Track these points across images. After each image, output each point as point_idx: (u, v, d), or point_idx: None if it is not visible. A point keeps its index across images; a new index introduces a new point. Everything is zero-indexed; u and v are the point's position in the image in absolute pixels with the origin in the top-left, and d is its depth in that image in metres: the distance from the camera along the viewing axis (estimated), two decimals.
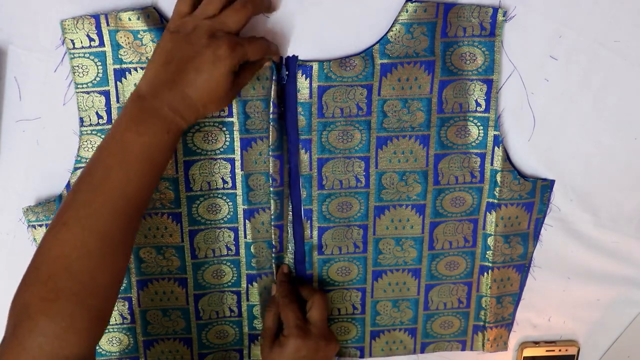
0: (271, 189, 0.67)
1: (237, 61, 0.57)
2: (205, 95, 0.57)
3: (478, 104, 0.67)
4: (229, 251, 0.70)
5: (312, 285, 0.72)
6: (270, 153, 0.65)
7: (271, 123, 0.64)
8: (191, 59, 0.56)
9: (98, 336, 0.56)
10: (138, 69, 0.63)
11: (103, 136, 0.65)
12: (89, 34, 0.62)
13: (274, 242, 0.69)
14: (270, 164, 0.66)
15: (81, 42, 0.62)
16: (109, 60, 0.63)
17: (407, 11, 0.63)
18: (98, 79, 0.63)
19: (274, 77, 0.63)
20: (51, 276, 0.54)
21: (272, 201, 0.67)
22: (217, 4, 0.57)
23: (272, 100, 0.64)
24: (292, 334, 0.65)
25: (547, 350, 0.79)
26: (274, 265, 0.70)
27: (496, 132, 0.68)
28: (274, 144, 0.65)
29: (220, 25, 0.57)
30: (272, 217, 0.68)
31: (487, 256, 0.72)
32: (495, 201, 0.70)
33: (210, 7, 0.57)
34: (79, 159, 0.65)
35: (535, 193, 0.71)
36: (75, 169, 0.66)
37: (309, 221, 0.69)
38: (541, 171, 0.71)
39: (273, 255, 0.69)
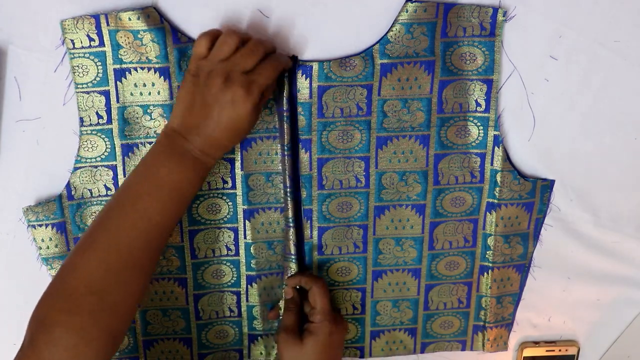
0: (288, 189, 0.67)
1: (256, 99, 0.58)
2: (230, 133, 0.60)
3: (478, 104, 0.67)
4: (229, 251, 0.70)
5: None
6: (286, 152, 0.66)
7: (286, 122, 0.64)
8: (212, 104, 0.58)
9: (110, 353, 0.57)
10: (138, 68, 0.63)
11: (103, 136, 0.65)
12: (89, 34, 0.62)
13: (293, 242, 0.68)
14: (287, 164, 0.66)
15: (81, 42, 0.62)
16: (109, 60, 0.63)
17: (407, 11, 0.63)
18: (98, 78, 0.63)
19: (285, 75, 0.63)
20: (72, 292, 0.56)
21: (289, 202, 0.67)
22: (231, 45, 0.58)
23: (285, 97, 0.64)
24: (327, 319, 0.67)
25: (547, 350, 0.79)
26: (295, 266, 0.69)
27: (496, 132, 0.68)
28: (289, 143, 0.65)
29: (233, 66, 0.58)
30: (291, 218, 0.68)
31: (487, 256, 0.72)
32: (495, 201, 0.70)
33: (225, 48, 0.58)
34: (79, 159, 0.65)
35: (535, 193, 0.71)
36: (75, 169, 0.66)
37: (309, 221, 0.69)
38: (541, 171, 0.71)
39: (293, 258, 0.69)
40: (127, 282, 0.58)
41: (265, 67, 0.59)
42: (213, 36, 0.59)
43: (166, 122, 0.64)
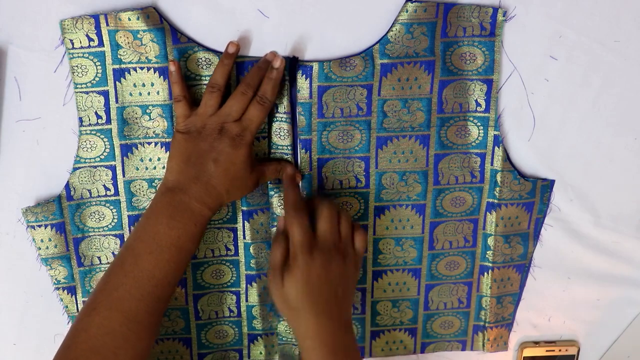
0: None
1: (249, 142, 0.62)
2: (227, 181, 0.62)
3: (478, 104, 0.67)
4: (228, 251, 0.70)
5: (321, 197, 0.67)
6: (290, 151, 0.66)
7: (287, 121, 0.65)
8: (208, 153, 0.61)
9: None
10: (137, 68, 0.63)
11: (102, 136, 0.65)
12: (88, 34, 0.62)
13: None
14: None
15: (80, 42, 0.62)
16: (108, 60, 0.63)
17: (407, 11, 0.63)
18: (97, 79, 0.63)
19: (286, 77, 0.64)
20: (76, 356, 0.56)
21: (274, 198, 0.67)
22: (217, 99, 0.62)
23: (284, 98, 0.64)
24: (300, 251, 0.60)
25: (547, 350, 0.79)
26: None
27: (496, 132, 0.68)
28: (291, 143, 0.66)
29: (225, 118, 0.61)
30: (278, 216, 0.68)
31: (487, 256, 0.72)
32: (496, 201, 0.70)
33: (213, 103, 0.61)
34: (78, 159, 0.65)
35: (535, 193, 0.71)
36: (75, 169, 0.66)
37: None
38: (541, 171, 0.71)
39: None
40: (130, 342, 0.57)
41: (254, 112, 0.62)
42: (187, 99, 0.62)
43: (165, 122, 0.64)
